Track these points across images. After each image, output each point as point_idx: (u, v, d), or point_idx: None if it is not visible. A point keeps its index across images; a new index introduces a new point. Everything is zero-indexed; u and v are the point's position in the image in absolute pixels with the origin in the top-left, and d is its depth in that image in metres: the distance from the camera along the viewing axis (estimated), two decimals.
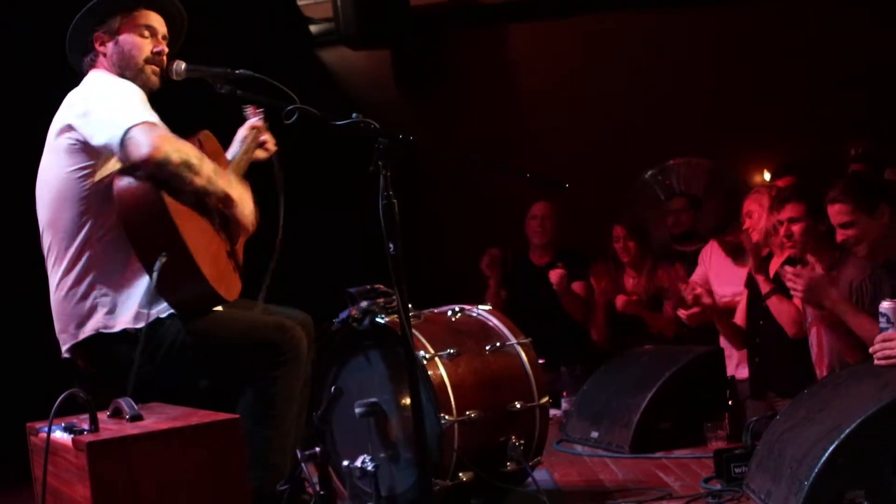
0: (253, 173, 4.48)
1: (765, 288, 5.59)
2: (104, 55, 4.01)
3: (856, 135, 7.49)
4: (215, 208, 3.94)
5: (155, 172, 3.65)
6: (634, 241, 7.11)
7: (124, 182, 3.69)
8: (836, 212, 4.80)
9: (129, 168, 3.69)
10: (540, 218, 7.44)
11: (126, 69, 4.00)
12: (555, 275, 7.07)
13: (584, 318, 7.25)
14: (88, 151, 3.76)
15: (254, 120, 4.55)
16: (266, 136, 4.56)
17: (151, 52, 4.04)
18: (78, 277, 3.82)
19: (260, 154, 4.56)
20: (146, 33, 4.04)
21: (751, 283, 5.86)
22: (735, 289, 6.20)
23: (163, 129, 3.73)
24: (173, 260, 3.62)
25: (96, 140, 3.72)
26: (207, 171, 3.77)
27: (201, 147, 4.09)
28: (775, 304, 5.51)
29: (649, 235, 7.28)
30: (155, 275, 3.61)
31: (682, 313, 6.35)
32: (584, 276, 7.29)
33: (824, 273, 4.94)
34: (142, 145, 3.62)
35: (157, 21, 4.08)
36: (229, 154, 4.47)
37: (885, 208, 4.72)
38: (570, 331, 7.19)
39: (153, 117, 3.76)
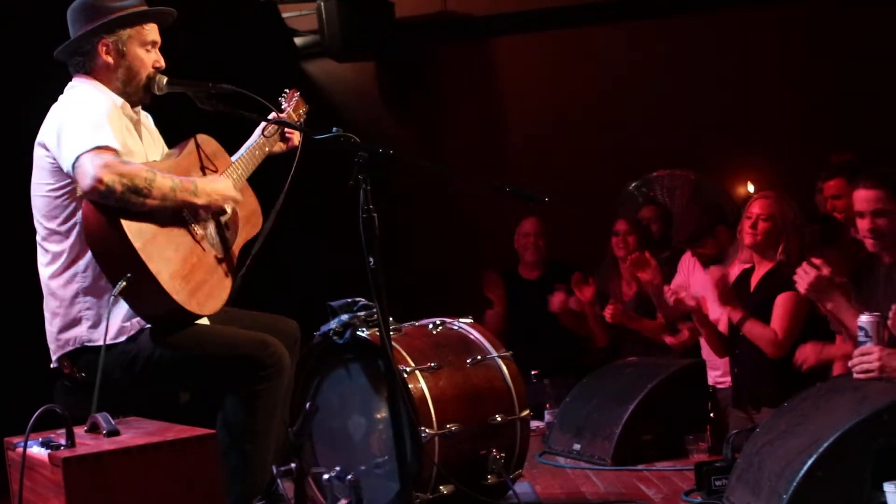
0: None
1: (735, 317, 5.62)
2: (107, 66, 3.96)
3: (839, 149, 7.52)
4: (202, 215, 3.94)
5: (102, 202, 3.64)
6: (635, 237, 7.05)
7: (88, 207, 3.70)
8: (868, 198, 4.64)
9: None
10: (533, 236, 7.38)
11: (128, 84, 3.99)
12: (556, 301, 7.09)
13: (585, 331, 7.25)
14: (63, 171, 3.77)
15: (281, 108, 4.47)
16: (290, 129, 4.47)
17: (153, 67, 4.03)
18: (64, 289, 3.85)
19: (279, 148, 4.48)
20: (149, 48, 4.03)
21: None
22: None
23: (111, 154, 3.66)
24: (136, 281, 3.61)
25: (63, 166, 3.74)
26: (161, 191, 3.71)
27: (199, 150, 4.09)
28: (749, 330, 5.55)
29: (650, 233, 7.24)
30: (114, 296, 3.62)
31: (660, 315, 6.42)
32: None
33: (829, 275, 4.86)
34: (86, 175, 3.60)
35: (157, 34, 4.07)
36: (245, 145, 4.40)
37: None
38: (567, 343, 7.19)
39: (110, 139, 3.70)
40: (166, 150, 4.18)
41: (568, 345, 7.23)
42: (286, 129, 4.46)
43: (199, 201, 3.87)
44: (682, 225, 7.11)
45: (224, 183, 4.02)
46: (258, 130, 4.45)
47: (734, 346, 5.78)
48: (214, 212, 3.98)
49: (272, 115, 4.39)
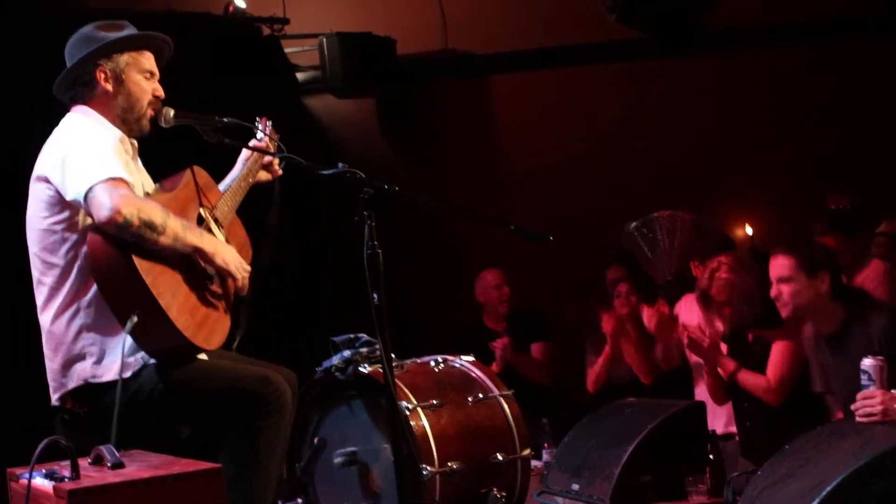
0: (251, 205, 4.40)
1: (729, 368, 5.67)
2: (106, 93, 3.93)
3: (836, 189, 7.55)
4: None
5: (117, 234, 3.60)
6: (636, 296, 7.06)
7: (96, 239, 3.65)
8: (777, 265, 4.89)
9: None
10: (497, 289, 7.34)
11: (129, 112, 3.95)
12: (499, 345, 7.01)
13: (548, 377, 7.19)
14: (65, 203, 3.74)
15: (258, 138, 4.40)
16: (272, 158, 4.43)
17: (154, 96, 4.02)
18: (67, 325, 3.80)
19: (263, 176, 4.44)
20: (148, 76, 4.00)
21: (731, 340, 5.90)
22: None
23: (126, 188, 3.64)
24: (146, 317, 3.58)
25: (68, 195, 3.69)
26: (173, 229, 3.69)
27: (193, 181, 4.06)
28: (743, 381, 5.61)
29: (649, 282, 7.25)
30: (127, 333, 3.60)
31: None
32: (543, 337, 7.29)
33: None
34: (103, 207, 3.56)
35: (154, 64, 4.04)
36: (229, 176, 4.38)
37: (825, 276, 4.77)
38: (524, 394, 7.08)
39: (121, 171, 3.68)
40: (150, 180, 4.12)
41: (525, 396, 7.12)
42: (266, 159, 4.42)
43: (206, 246, 3.82)
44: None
45: (231, 251, 3.97)
46: (240, 161, 4.43)
47: (741, 399, 5.80)
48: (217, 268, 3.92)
49: (254, 143, 4.38)
